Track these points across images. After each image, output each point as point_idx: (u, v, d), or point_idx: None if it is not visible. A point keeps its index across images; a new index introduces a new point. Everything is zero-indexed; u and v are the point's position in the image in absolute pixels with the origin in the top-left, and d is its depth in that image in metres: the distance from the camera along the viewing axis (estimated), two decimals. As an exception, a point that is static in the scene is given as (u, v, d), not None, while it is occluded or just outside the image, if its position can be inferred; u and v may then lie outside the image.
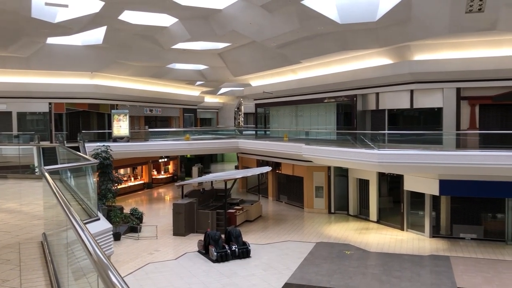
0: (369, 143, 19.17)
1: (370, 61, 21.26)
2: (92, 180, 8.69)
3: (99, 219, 8.09)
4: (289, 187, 28.68)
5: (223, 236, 18.33)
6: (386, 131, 21.52)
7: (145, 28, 21.38)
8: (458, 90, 19.10)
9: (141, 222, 22.59)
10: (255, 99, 33.97)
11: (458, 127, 19.08)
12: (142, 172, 35.05)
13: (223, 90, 43.91)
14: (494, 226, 19.13)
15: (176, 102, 38.22)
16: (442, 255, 17.31)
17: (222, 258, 17.05)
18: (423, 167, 17.52)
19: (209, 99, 46.61)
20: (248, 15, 19.00)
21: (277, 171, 28.90)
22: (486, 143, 18.03)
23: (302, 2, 16.56)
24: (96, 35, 22.57)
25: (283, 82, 28.35)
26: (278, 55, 23.30)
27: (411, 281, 14.60)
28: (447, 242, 19.09)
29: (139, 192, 33.45)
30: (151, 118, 36.81)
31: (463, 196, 19.11)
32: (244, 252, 17.47)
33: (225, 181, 21.58)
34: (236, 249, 17.40)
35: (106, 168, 22.12)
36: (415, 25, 16.71)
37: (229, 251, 17.27)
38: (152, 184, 35.51)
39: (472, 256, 17.07)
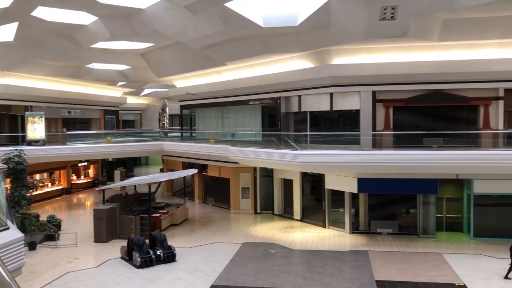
0: (293, 144, 19.69)
1: (293, 64, 21.84)
2: (2, 187, 8.10)
3: (8, 228, 7.55)
4: (215, 189, 28.64)
5: (147, 241, 17.89)
6: (308, 133, 22.24)
7: (61, 26, 20.29)
8: (374, 93, 20.19)
9: (59, 229, 21.43)
10: (180, 100, 33.55)
11: (374, 128, 20.16)
12: (60, 177, 33.23)
13: (146, 91, 42.87)
14: (407, 221, 20.45)
15: (96, 104, 36.71)
16: (361, 250, 18.18)
17: (147, 263, 16.64)
18: (342, 166, 18.31)
19: (132, 100, 45.32)
20: (171, 16, 18.73)
21: (204, 173, 28.74)
22: (400, 143, 19.22)
23: (225, 4, 16.62)
24: (6, 32, 21.04)
25: (209, 84, 28.27)
26: (203, 56, 23.20)
27: (333, 276, 15.18)
28: (365, 237, 20.09)
29: (57, 198, 31.69)
30: (69, 120, 35.02)
31: (380, 193, 20.21)
32: (169, 256, 17.18)
33: (149, 185, 21.08)
34: (161, 253, 17.06)
35: (19, 173, 20.72)
36: (334, 31, 17.43)
37: (153, 256, 16.89)
38: (71, 190, 33.80)
39: (388, 250, 18.11)
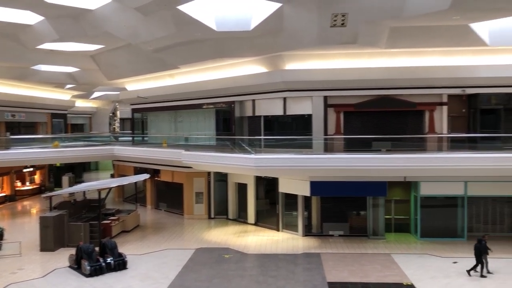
0: (247, 148, 19.75)
1: (246, 69, 21.92)
2: None
3: None
4: (168, 194, 28.19)
5: (97, 248, 17.32)
6: (262, 137, 22.34)
7: (4, 25, 19.35)
8: (325, 98, 20.59)
9: (1, 239, 20.36)
10: (131, 104, 32.83)
11: (325, 132, 20.55)
12: (3, 184, 31.61)
13: (96, 94, 41.65)
14: (358, 223, 20.95)
15: (43, 107, 35.26)
16: (313, 252, 18.44)
17: (96, 271, 16.11)
18: (296, 170, 18.54)
19: (81, 104, 43.92)
20: (122, 17, 18.30)
21: (156, 178, 28.23)
22: (350, 146, 19.69)
23: (178, 7, 16.44)
24: None
25: (161, 87, 27.85)
26: (155, 59, 22.82)
27: (286, 279, 15.30)
28: (318, 239, 20.39)
29: (0, 206, 30.11)
30: (13, 124, 33.40)
31: (331, 196, 20.60)
32: (120, 264, 16.72)
33: (99, 191, 20.46)
34: (112, 261, 16.58)
35: (-43, 180, 19.52)
36: (287, 36, 17.65)
37: (103, 264, 16.38)
38: (15, 197, 32.20)
39: (340, 252, 18.47)
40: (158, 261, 17.61)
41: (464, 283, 14.67)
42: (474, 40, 17.57)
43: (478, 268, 15.39)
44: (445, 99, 20.23)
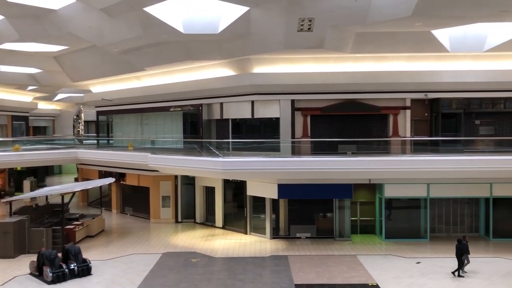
0: (215, 151, 19.69)
1: (214, 71, 21.87)
2: None
3: None
4: (134, 198, 27.75)
5: (60, 254, 16.85)
6: (230, 140, 22.35)
7: (-38, 24, 18.67)
8: (293, 101, 20.79)
9: (-43, 246, 19.48)
10: (96, 106, 32.16)
11: (293, 135, 20.74)
12: (-41, 189, 30.34)
13: (60, 96, 40.61)
14: (324, 225, 21.20)
15: (3, 109, 34.12)
16: (281, 255, 18.53)
17: (59, 278, 15.66)
18: (264, 173, 18.61)
19: (44, 106, 42.70)
20: (87, 18, 17.96)
21: (122, 182, 27.73)
22: (317, 149, 19.95)
23: (145, 9, 16.27)
24: None
25: (127, 89, 27.42)
26: (122, 61, 22.48)
27: (254, 282, 15.31)
28: (285, 242, 20.51)
29: (-44, 212, 28.88)
30: (-29, 126, 32.17)
31: (299, 198, 20.78)
32: (84, 270, 16.31)
33: (62, 195, 19.90)
34: (75, 267, 16.16)
35: None
36: (254, 40, 17.74)
37: (66, 270, 15.94)
38: (-27, 202, 30.95)
39: (307, 254, 18.64)
40: (124, 266, 17.29)
41: (426, 282, 15.05)
42: (436, 46, 18.15)
43: (466, 268, 15.69)
44: (408, 103, 20.77)
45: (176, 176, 24.94)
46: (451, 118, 20.85)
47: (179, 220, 25.24)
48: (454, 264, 15.89)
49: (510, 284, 14.59)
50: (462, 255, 15.60)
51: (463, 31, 17.74)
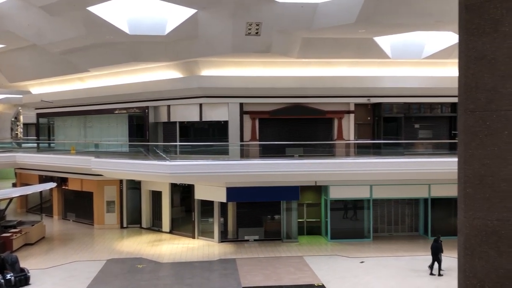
0: (162, 154, 19.39)
1: (161, 73, 21.55)
2: None
3: None
4: (77, 204, 26.75)
5: (-5, 264, 15.94)
6: (178, 143, 22.08)
7: None
8: (241, 105, 20.86)
9: None
10: (36, 108, 30.76)
11: (241, 138, 20.80)
12: None
13: (-4, 97, 38.47)
14: (272, 227, 21.41)
15: None
16: (229, 258, 18.52)
17: (-6, 290, 14.81)
18: (212, 176, 18.54)
19: (-21, 107, 40.30)
20: (26, 16, 17.19)
21: (64, 187, 26.67)
22: (265, 153, 20.15)
23: (88, 8, 15.78)
24: None
25: (70, 91, 26.41)
26: (64, 61, 21.63)
27: (201, 286, 15.21)
28: (234, 245, 20.52)
29: None
30: None
31: (247, 201, 20.86)
32: (22, 280, 15.53)
33: (-2, 201, 18.89)
34: (12, 277, 15.34)
35: None
36: (202, 43, 17.66)
37: (2, 280, 15.10)
38: None
39: (255, 256, 18.74)
40: (65, 274, 16.63)
41: (370, 281, 15.57)
42: (378, 53, 18.86)
43: (443, 266, 16.10)
44: (352, 108, 21.43)
45: (121, 181, 24.31)
46: (392, 122, 21.71)
47: (125, 225, 24.60)
48: (396, 262, 16.55)
49: (448, 280, 15.36)
50: (438, 254, 16.12)
51: (403, 39, 18.56)
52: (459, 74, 6.81)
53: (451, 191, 18.13)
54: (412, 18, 15.08)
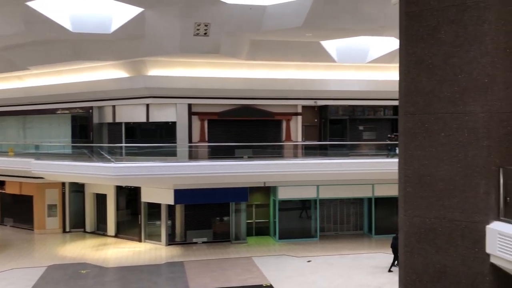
0: (107, 156, 18.83)
1: (107, 73, 20.91)
2: None
3: None
4: (15, 208, 25.42)
5: None
6: (124, 144, 21.52)
7: None
8: (190, 106, 20.66)
9: None
10: (-30, 108, 28.94)
11: (190, 140, 20.60)
12: None
13: None
14: (221, 229, 21.36)
15: None
16: (177, 261, 18.28)
17: None
18: (159, 179, 18.22)
19: None
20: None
21: (0, 191, 25.28)
22: (214, 154, 20.05)
23: (27, 3, 15.04)
24: None
25: (7, 90, 25.01)
26: (1, 58, 20.50)
27: (149, 291, 14.91)
28: (182, 248, 20.27)
29: None
30: None
31: (196, 203, 20.69)
32: (-47, 291, 14.57)
33: None
34: None
35: None
36: (149, 42, 17.32)
37: None
38: None
39: (203, 259, 18.61)
40: (2, 283, 15.76)
41: (316, 280, 15.89)
42: (325, 57, 19.31)
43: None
44: (299, 110, 21.79)
45: (63, 183, 23.38)
46: (338, 124, 22.28)
47: (67, 229, 23.67)
48: (341, 261, 17.02)
49: (390, 276, 15.95)
50: (397, 252, 16.50)
51: (348, 44, 19.11)
52: (399, 78, 7.13)
53: (394, 191, 18.69)
54: (357, 23, 15.56)
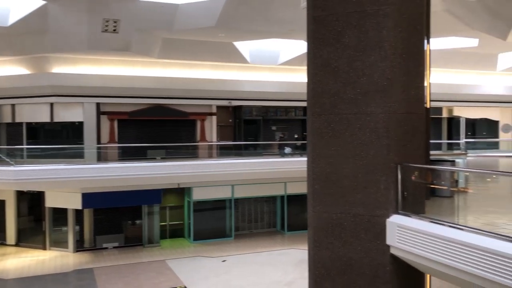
0: (5, 159, 17.38)
1: (4, 69, 19.34)
2: None
3: None
4: None
5: None
6: (25, 146, 20.07)
7: None
8: (98, 105, 19.75)
9: None
10: None
11: (99, 141, 19.71)
12: None
13: None
14: (133, 232, 20.68)
15: None
16: (86, 268, 17.40)
17: None
18: (65, 182, 17.15)
19: None
20: None
21: None
22: (125, 155, 19.36)
23: None
24: None
25: None
26: None
27: (54, 301, 14.02)
28: (91, 254, 19.31)
29: None
30: None
31: (106, 207, 19.84)
32: None
33: None
34: None
35: None
36: (53, 37, 16.29)
37: None
38: None
39: (115, 264, 17.89)
40: None
41: (230, 279, 15.99)
42: (238, 57, 19.53)
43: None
44: (214, 110, 21.80)
45: (-46, 189, 21.20)
46: (252, 124, 22.62)
47: (-41, 240, 21.48)
48: (255, 258, 17.30)
49: (301, 272, 16.49)
50: None
51: (261, 46, 19.52)
52: (307, 80, 7.41)
53: (304, 188, 19.46)
54: (268, 26, 15.92)
